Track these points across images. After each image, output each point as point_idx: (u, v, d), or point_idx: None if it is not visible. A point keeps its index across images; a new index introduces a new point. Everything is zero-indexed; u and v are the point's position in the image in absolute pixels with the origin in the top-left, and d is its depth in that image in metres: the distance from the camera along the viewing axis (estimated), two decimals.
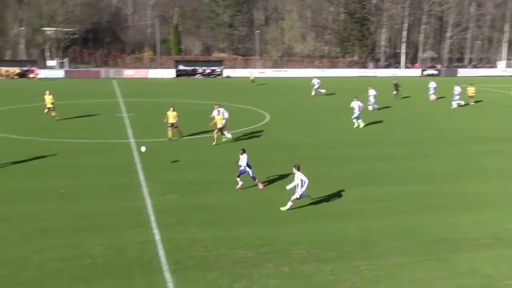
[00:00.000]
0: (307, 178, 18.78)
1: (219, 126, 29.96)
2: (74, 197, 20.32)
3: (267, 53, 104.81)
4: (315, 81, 54.73)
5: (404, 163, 26.60)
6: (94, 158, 26.64)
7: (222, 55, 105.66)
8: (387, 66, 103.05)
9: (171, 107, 31.20)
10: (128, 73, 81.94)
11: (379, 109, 44.44)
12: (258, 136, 32.94)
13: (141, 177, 23.21)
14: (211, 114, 31.19)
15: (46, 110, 37.66)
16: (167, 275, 14.02)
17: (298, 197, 18.86)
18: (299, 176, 18.77)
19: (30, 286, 13.32)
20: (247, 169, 21.31)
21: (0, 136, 31.34)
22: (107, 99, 50.35)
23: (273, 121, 38.62)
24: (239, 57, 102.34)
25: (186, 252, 15.48)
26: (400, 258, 15.46)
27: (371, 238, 16.78)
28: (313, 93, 54.31)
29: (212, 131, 30.68)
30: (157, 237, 16.58)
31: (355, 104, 36.24)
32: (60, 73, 79.63)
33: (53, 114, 37.42)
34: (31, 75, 75.38)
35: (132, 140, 30.45)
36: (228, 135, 30.75)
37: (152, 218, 18.24)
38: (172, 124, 30.81)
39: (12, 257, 14.93)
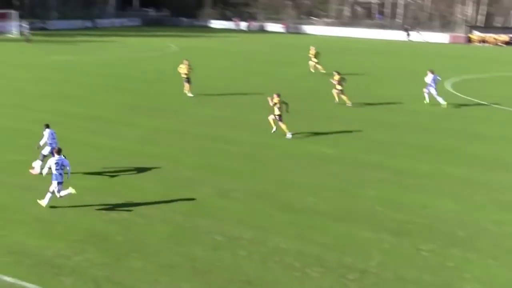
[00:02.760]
0: (63, 168, 14.50)
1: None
2: None
3: None
4: None
5: None
6: None
7: None
8: None
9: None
10: None
11: None
12: None
13: None
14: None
15: (313, 64, 39.91)
16: None
17: (56, 192, 14.44)
18: (52, 161, 14.43)
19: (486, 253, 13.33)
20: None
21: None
22: None
23: None
24: None
25: None
26: None
27: None
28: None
29: None
30: None
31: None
32: None
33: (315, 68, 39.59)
34: None
35: None
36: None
37: None
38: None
39: (471, 222, 15.14)
